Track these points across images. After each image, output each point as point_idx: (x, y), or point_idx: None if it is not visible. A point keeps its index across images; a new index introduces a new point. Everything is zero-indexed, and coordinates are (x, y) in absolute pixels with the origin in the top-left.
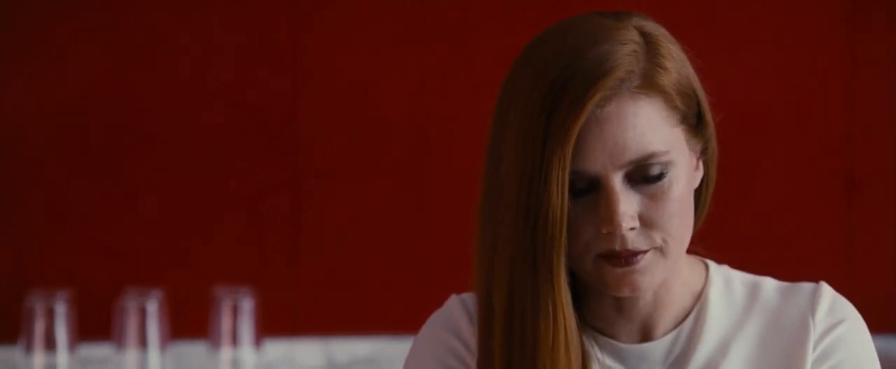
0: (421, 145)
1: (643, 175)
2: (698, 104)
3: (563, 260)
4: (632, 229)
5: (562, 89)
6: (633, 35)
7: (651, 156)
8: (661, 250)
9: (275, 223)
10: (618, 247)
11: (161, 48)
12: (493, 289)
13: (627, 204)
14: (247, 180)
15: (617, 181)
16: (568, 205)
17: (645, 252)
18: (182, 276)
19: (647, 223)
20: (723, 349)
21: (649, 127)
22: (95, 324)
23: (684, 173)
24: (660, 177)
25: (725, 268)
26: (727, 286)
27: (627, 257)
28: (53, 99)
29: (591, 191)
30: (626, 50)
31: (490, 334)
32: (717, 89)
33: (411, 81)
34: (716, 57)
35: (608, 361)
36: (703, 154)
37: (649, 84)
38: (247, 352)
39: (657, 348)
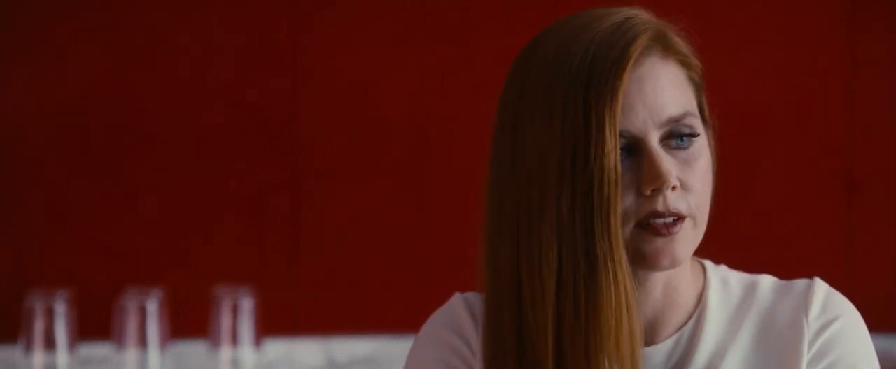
0: (421, 145)
1: (677, 138)
2: (701, 91)
3: (620, 221)
4: (673, 188)
5: (597, 53)
6: (642, 13)
7: (686, 114)
8: (693, 219)
9: (275, 223)
10: (660, 208)
11: (161, 48)
12: (529, 269)
13: (668, 162)
14: (247, 180)
15: (655, 141)
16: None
17: (683, 219)
18: (182, 276)
19: (683, 185)
20: (720, 352)
21: (680, 88)
22: (95, 324)
23: (706, 148)
24: (691, 141)
25: (723, 269)
26: (724, 287)
27: (668, 224)
28: (53, 99)
29: (628, 156)
30: (644, 18)
31: (515, 318)
32: (717, 89)
33: (411, 81)
34: (716, 57)
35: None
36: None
37: (672, 50)
38: (247, 352)
39: (659, 352)
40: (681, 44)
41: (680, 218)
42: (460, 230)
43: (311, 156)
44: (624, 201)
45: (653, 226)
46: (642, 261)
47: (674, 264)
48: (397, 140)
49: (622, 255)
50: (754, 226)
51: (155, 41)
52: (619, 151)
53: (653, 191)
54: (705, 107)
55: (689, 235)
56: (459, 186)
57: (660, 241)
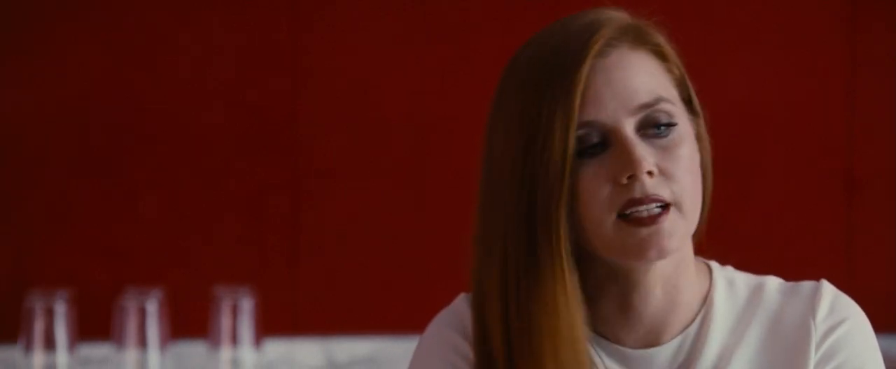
0: (421, 145)
1: (653, 126)
2: (688, 87)
3: (563, 214)
4: (650, 174)
5: (560, 48)
6: (615, 12)
7: (660, 100)
8: (679, 207)
9: (275, 223)
10: (638, 194)
11: (161, 48)
12: (485, 266)
13: (643, 149)
14: (247, 180)
15: (630, 130)
16: (580, 163)
17: (666, 206)
18: (182, 276)
19: (663, 172)
20: (727, 354)
21: (653, 74)
22: (95, 324)
23: (689, 137)
24: (669, 128)
25: (729, 270)
26: (730, 288)
27: (652, 215)
28: (53, 99)
29: (604, 148)
30: (616, 14)
31: (482, 313)
32: (717, 89)
33: (411, 81)
34: (716, 57)
35: (613, 366)
36: (698, 141)
37: (644, 41)
38: (247, 352)
39: (662, 353)
40: (655, 35)
41: (665, 207)
42: (460, 230)
43: (311, 157)
44: (601, 193)
45: (636, 218)
46: (629, 254)
47: (661, 255)
48: (397, 140)
49: (562, 249)
50: (754, 226)
51: (155, 41)
52: (569, 143)
53: (628, 178)
54: (693, 97)
55: (677, 225)
56: (459, 186)
57: (644, 232)
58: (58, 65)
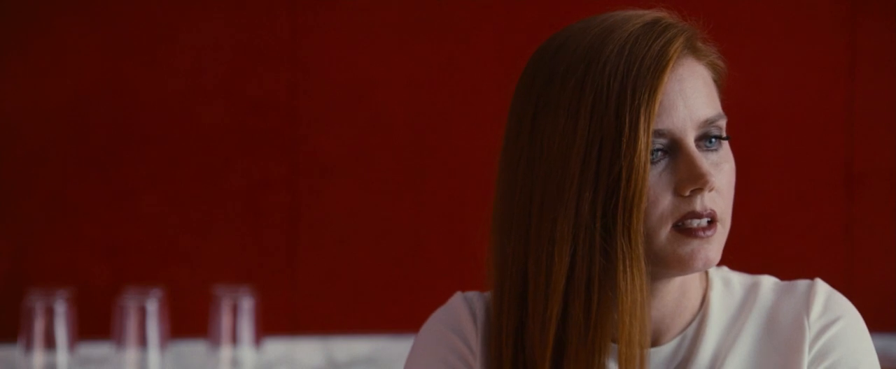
0: (421, 144)
1: (707, 140)
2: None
3: (642, 219)
4: (711, 190)
5: (633, 51)
6: (669, 16)
7: (720, 116)
8: (722, 222)
9: (274, 222)
10: (699, 208)
11: (160, 46)
12: (537, 263)
13: (705, 163)
14: (246, 178)
15: (692, 141)
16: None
17: (713, 220)
18: (182, 275)
19: (715, 188)
20: (722, 353)
21: (711, 88)
22: (95, 323)
23: (730, 151)
24: (719, 143)
25: (724, 270)
26: (726, 288)
27: (703, 227)
28: (52, 96)
29: (663, 156)
30: (673, 20)
31: (522, 314)
32: None
33: (411, 79)
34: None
35: (613, 365)
36: None
37: (702, 53)
38: (246, 351)
39: (661, 353)
40: (711, 48)
41: (714, 220)
42: (460, 229)
43: (310, 155)
44: (661, 201)
45: (689, 229)
46: (677, 264)
47: (707, 266)
48: (397, 138)
49: (640, 254)
50: (754, 224)
51: (154, 38)
52: (649, 151)
53: (692, 191)
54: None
55: (721, 238)
56: (459, 185)
57: (695, 243)
58: (56, 63)
